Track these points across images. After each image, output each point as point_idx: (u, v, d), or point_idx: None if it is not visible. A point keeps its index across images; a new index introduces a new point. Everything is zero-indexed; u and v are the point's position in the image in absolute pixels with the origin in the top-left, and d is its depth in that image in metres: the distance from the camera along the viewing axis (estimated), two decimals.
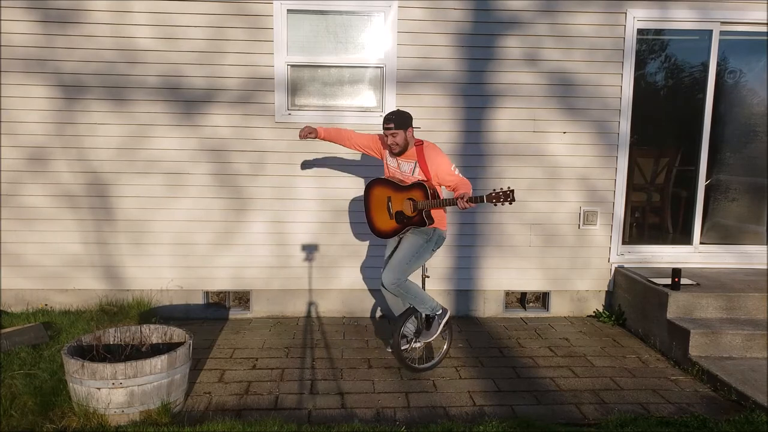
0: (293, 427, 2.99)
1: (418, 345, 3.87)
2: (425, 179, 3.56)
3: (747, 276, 4.74)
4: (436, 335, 3.77)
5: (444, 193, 3.72)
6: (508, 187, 3.27)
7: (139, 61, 4.60)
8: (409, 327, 3.86)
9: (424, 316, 3.81)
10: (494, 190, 3.30)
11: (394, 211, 3.66)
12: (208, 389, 3.53)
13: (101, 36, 4.56)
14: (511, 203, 3.26)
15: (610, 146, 4.89)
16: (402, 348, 3.76)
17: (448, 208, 3.83)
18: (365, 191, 3.86)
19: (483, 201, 3.30)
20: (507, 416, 3.22)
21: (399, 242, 3.74)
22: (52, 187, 4.71)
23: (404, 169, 3.65)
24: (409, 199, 3.56)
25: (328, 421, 3.16)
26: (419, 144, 3.62)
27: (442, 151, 3.64)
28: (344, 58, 4.71)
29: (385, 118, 3.54)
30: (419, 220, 3.53)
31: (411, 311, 3.77)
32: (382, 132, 3.62)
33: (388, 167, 3.78)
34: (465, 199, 3.29)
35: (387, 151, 3.74)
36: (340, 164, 4.80)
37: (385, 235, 3.77)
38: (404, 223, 3.61)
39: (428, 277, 3.99)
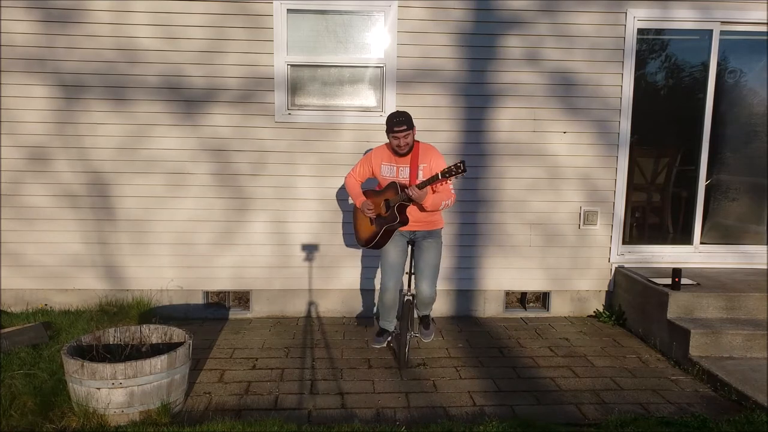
0: (293, 427, 2.99)
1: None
2: (403, 179, 3.63)
3: (747, 276, 4.74)
4: (433, 336, 4.09)
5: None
6: (460, 161, 3.33)
7: (140, 60, 4.60)
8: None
9: (422, 316, 4.06)
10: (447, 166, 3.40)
11: (374, 216, 3.74)
12: (208, 389, 3.53)
13: (102, 35, 4.55)
14: (463, 174, 3.32)
15: (611, 146, 4.89)
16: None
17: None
18: (354, 207, 3.95)
19: (438, 177, 3.36)
20: (507, 416, 3.22)
21: (414, 250, 3.83)
22: (52, 187, 4.70)
23: (404, 174, 3.65)
24: (385, 200, 3.66)
25: (328, 421, 3.16)
26: (416, 144, 3.66)
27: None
28: (344, 57, 4.71)
29: (395, 122, 3.51)
30: (391, 215, 3.59)
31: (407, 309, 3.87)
32: (389, 133, 3.56)
33: (383, 178, 3.74)
34: (416, 185, 3.42)
35: (381, 163, 3.72)
36: (340, 164, 4.80)
37: (368, 242, 3.79)
38: (381, 224, 3.67)
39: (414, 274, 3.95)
